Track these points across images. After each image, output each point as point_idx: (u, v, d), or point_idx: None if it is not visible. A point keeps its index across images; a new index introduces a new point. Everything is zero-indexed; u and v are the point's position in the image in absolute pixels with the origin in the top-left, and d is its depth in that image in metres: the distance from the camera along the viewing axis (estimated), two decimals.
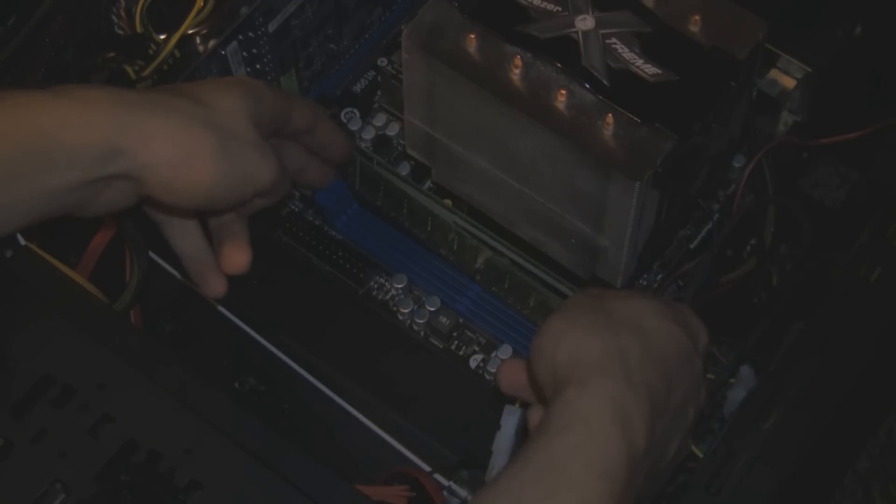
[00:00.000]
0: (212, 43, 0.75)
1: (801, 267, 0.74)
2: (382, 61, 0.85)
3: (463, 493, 0.65)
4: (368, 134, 0.81)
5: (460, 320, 0.74)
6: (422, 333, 0.74)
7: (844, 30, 0.80)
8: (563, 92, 0.66)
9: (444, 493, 0.65)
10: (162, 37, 0.74)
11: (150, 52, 0.74)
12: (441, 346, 0.74)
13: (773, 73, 0.79)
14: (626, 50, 0.68)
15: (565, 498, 0.49)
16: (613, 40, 0.68)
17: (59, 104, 0.55)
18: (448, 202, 0.75)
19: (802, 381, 0.61)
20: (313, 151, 0.72)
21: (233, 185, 0.60)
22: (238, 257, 0.67)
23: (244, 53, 0.76)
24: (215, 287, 0.67)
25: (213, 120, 0.59)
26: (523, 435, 0.62)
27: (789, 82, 0.78)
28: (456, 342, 0.74)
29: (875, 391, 0.72)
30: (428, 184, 0.78)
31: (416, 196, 0.75)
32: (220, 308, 0.72)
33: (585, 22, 0.69)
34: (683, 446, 0.58)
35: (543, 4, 0.69)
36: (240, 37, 0.75)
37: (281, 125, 0.67)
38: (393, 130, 0.81)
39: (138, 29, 0.74)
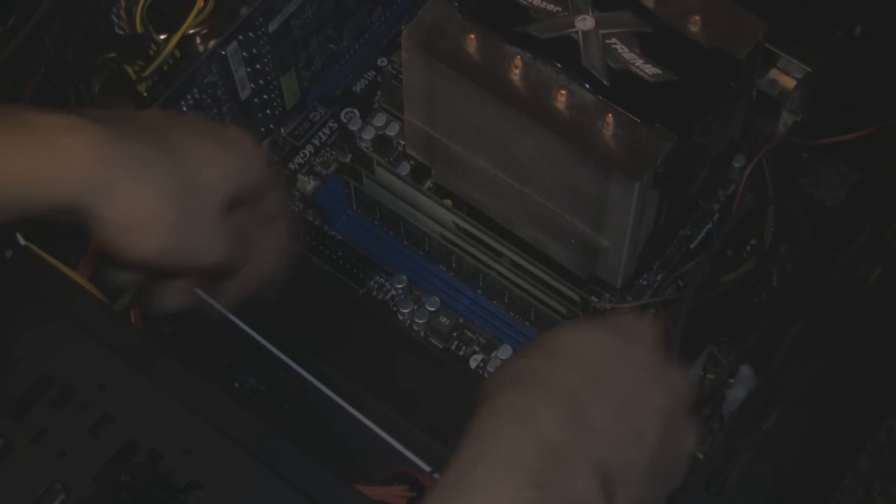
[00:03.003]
0: (212, 43, 0.75)
1: (801, 267, 0.74)
2: (382, 61, 0.85)
3: None
4: (368, 134, 0.81)
5: (460, 320, 0.74)
6: (422, 333, 0.74)
7: (844, 30, 0.80)
8: (563, 92, 0.66)
9: None
10: (162, 37, 0.74)
11: (151, 52, 0.74)
12: (441, 346, 0.74)
13: (773, 73, 0.79)
14: (626, 50, 0.68)
15: (480, 499, 0.48)
16: (613, 40, 0.68)
17: (44, 156, 0.53)
18: (448, 202, 0.75)
19: (802, 381, 0.61)
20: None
21: (176, 259, 0.58)
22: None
23: (244, 53, 0.76)
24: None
25: (184, 194, 0.56)
26: None
27: (789, 82, 0.78)
28: (456, 342, 0.74)
29: (875, 391, 0.72)
30: (428, 184, 0.78)
31: (411, 217, 0.75)
32: (221, 308, 0.72)
33: (585, 22, 0.69)
34: (672, 435, 0.54)
35: (543, 4, 0.69)
36: (240, 37, 0.75)
37: (252, 201, 0.62)
38: (393, 130, 0.81)
39: (139, 29, 0.74)
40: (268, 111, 0.81)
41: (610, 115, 0.65)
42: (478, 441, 0.49)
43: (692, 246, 0.77)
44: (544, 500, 0.48)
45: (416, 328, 0.74)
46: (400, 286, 0.75)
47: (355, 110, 0.83)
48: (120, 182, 0.54)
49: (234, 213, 0.60)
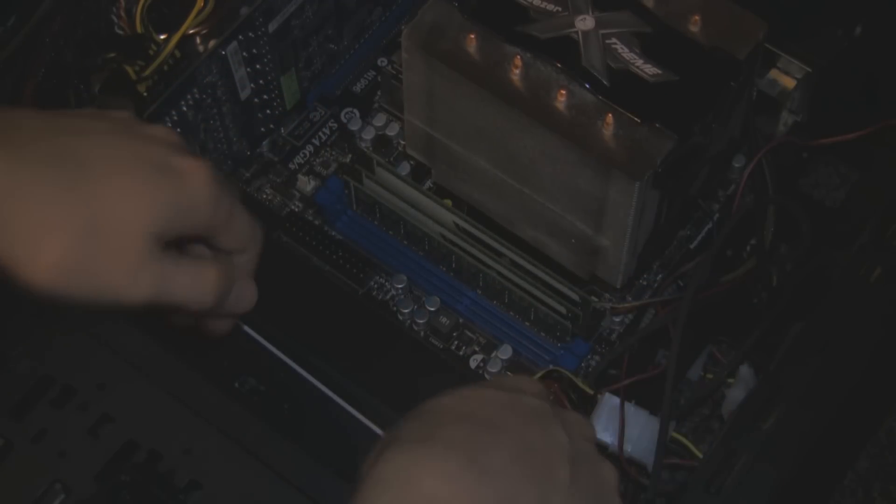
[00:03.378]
0: (212, 43, 0.75)
1: (801, 267, 0.74)
2: (382, 61, 0.85)
3: None
4: (368, 134, 0.81)
5: (460, 320, 0.74)
6: (422, 333, 0.74)
7: (844, 30, 0.79)
8: (563, 92, 0.66)
9: None
10: (162, 37, 0.74)
11: (151, 52, 0.74)
12: (441, 346, 0.74)
13: (773, 73, 0.79)
14: (626, 50, 0.68)
15: None
16: (613, 40, 0.68)
17: None
18: (448, 202, 0.75)
19: (802, 381, 0.61)
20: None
21: (79, 296, 0.50)
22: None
23: (244, 53, 0.76)
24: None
25: (84, 223, 0.49)
26: None
27: (789, 82, 0.78)
28: (456, 342, 0.74)
29: (875, 391, 0.72)
30: (428, 184, 0.78)
31: (412, 217, 0.75)
32: None
33: (585, 22, 0.69)
34: (586, 470, 0.51)
35: (543, 4, 0.69)
36: (240, 37, 0.75)
37: (205, 236, 0.55)
38: (393, 130, 0.81)
39: (139, 29, 0.74)
40: (268, 111, 0.81)
41: (610, 115, 0.65)
42: None
43: (692, 246, 0.77)
44: None
45: (416, 328, 0.74)
46: (400, 286, 0.75)
47: (355, 110, 0.83)
48: (7, 210, 0.48)
49: (187, 249, 0.55)
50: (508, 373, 0.72)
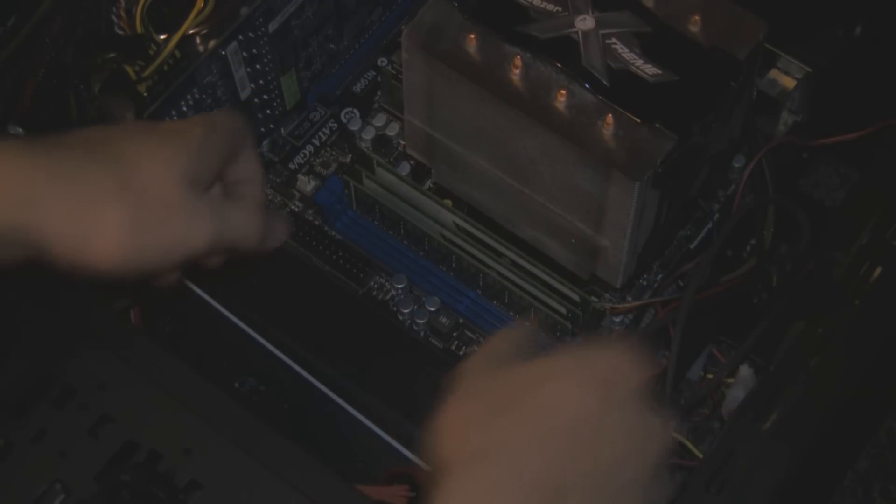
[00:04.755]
0: (212, 43, 0.75)
1: (801, 267, 0.74)
2: (382, 61, 0.85)
3: None
4: (368, 134, 0.81)
5: (460, 320, 0.74)
6: (422, 333, 0.74)
7: (844, 30, 0.80)
8: (563, 92, 0.66)
9: None
10: (162, 37, 0.74)
11: (151, 52, 0.74)
12: (441, 346, 0.74)
13: (773, 73, 0.79)
14: (626, 50, 0.68)
15: None
16: (613, 40, 0.68)
17: None
18: (448, 202, 0.75)
19: (802, 381, 0.61)
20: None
21: (153, 257, 0.56)
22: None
23: (244, 54, 0.76)
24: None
25: (128, 190, 0.54)
26: None
27: (789, 82, 0.78)
28: (456, 342, 0.74)
29: (875, 391, 0.72)
30: (428, 184, 0.78)
31: (412, 217, 0.75)
32: (220, 308, 0.72)
33: (585, 22, 0.69)
34: (654, 489, 0.52)
35: (543, 4, 0.69)
36: (240, 37, 0.75)
37: (226, 170, 0.61)
38: (393, 130, 0.81)
39: (139, 29, 0.74)
40: (268, 111, 0.81)
41: (610, 115, 0.65)
42: None
43: (692, 246, 0.77)
44: None
45: (416, 328, 0.74)
46: (400, 286, 0.75)
47: (355, 110, 0.83)
48: (54, 192, 0.53)
49: (214, 189, 0.60)
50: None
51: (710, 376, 0.72)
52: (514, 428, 0.49)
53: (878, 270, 0.65)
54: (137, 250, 0.55)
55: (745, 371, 0.69)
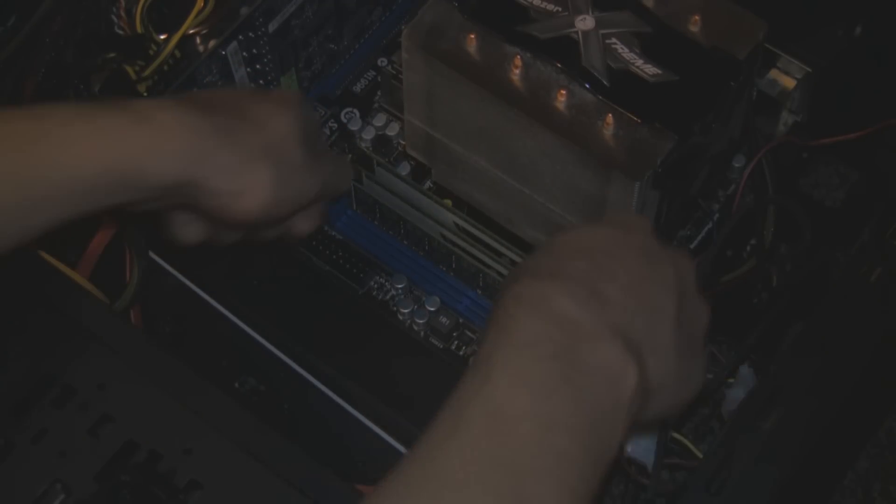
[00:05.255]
0: (212, 43, 0.75)
1: (801, 267, 0.74)
2: (382, 61, 0.85)
3: None
4: (368, 134, 0.81)
5: (460, 320, 0.74)
6: (422, 333, 0.74)
7: (844, 30, 0.80)
8: (563, 92, 0.66)
9: None
10: (162, 37, 0.74)
11: (151, 52, 0.74)
12: (441, 346, 0.74)
13: (773, 73, 0.79)
14: (626, 50, 0.68)
15: (498, 377, 0.48)
16: (613, 40, 0.68)
17: (142, 132, 0.57)
18: (448, 202, 0.75)
19: (802, 381, 0.61)
20: None
21: (283, 209, 0.64)
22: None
23: (244, 53, 0.76)
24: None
25: (271, 149, 0.62)
26: None
27: (789, 82, 0.78)
28: (456, 342, 0.74)
29: (875, 391, 0.72)
30: (428, 184, 0.78)
31: (412, 217, 0.75)
32: (220, 308, 0.72)
33: (585, 22, 0.69)
34: (688, 309, 0.55)
35: (543, 4, 0.69)
36: (240, 37, 0.75)
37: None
38: (393, 130, 0.81)
39: (139, 29, 0.74)
40: None
41: (610, 115, 0.65)
42: (494, 330, 0.50)
43: (692, 246, 0.77)
44: (565, 368, 0.48)
45: (416, 328, 0.74)
46: (400, 286, 0.75)
47: (355, 110, 0.83)
48: (220, 150, 0.59)
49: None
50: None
51: (710, 376, 0.72)
52: (547, 256, 0.54)
53: (878, 270, 0.65)
54: (274, 204, 0.62)
55: (745, 371, 0.69)
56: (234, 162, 0.60)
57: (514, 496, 0.46)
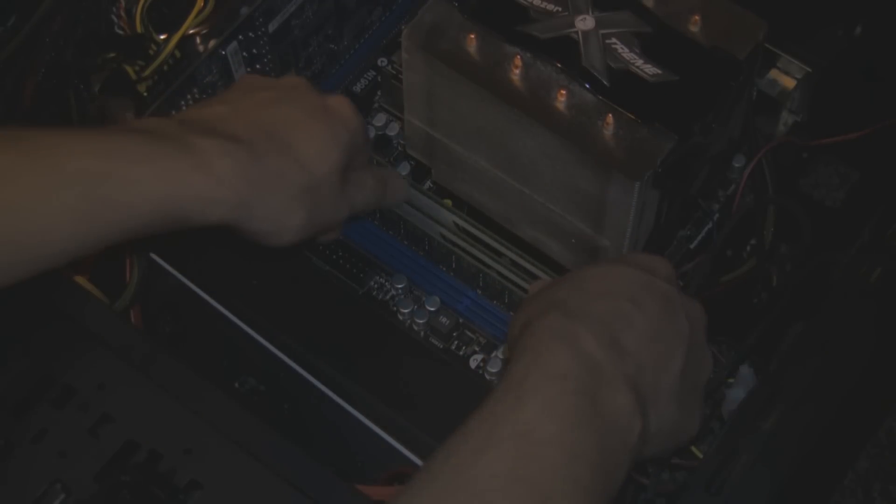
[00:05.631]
0: (212, 43, 0.75)
1: (801, 267, 0.74)
2: (382, 61, 0.85)
3: None
4: (368, 134, 0.81)
5: (460, 320, 0.74)
6: (422, 333, 0.74)
7: (844, 30, 0.80)
8: (563, 92, 0.66)
9: None
10: (162, 37, 0.74)
11: (151, 52, 0.74)
12: (441, 346, 0.74)
13: (773, 73, 0.79)
14: (626, 50, 0.68)
15: (530, 403, 0.52)
16: (613, 40, 0.68)
17: (200, 181, 0.59)
18: (448, 202, 0.75)
19: (802, 381, 0.61)
20: None
21: (311, 234, 0.66)
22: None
23: (244, 53, 0.76)
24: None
25: (312, 192, 0.64)
26: None
27: (789, 82, 0.78)
28: (456, 342, 0.74)
29: (875, 391, 0.72)
30: (428, 184, 0.78)
31: (412, 217, 0.75)
32: (220, 308, 0.72)
33: (585, 22, 0.69)
34: (694, 360, 0.58)
35: (543, 4, 0.69)
36: (240, 37, 0.75)
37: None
38: (393, 130, 0.81)
39: (139, 29, 0.74)
40: None
41: (610, 115, 0.65)
42: (525, 357, 0.54)
43: (692, 246, 0.77)
44: (587, 407, 0.53)
45: (416, 328, 0.74)
46: (400, 286, 0.75)
47: None
48: (265, 199, 0.62)
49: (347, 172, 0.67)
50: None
51: (711, 376, 0.72)
52: (566, 294, 0.58)
53: (878, 270, 0.65)
54: (306, 234, 0.65)
55: (745, 371, 0.69)
56: (276, 210, 0.62)
57: None
